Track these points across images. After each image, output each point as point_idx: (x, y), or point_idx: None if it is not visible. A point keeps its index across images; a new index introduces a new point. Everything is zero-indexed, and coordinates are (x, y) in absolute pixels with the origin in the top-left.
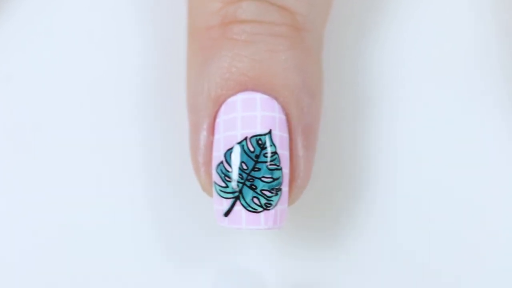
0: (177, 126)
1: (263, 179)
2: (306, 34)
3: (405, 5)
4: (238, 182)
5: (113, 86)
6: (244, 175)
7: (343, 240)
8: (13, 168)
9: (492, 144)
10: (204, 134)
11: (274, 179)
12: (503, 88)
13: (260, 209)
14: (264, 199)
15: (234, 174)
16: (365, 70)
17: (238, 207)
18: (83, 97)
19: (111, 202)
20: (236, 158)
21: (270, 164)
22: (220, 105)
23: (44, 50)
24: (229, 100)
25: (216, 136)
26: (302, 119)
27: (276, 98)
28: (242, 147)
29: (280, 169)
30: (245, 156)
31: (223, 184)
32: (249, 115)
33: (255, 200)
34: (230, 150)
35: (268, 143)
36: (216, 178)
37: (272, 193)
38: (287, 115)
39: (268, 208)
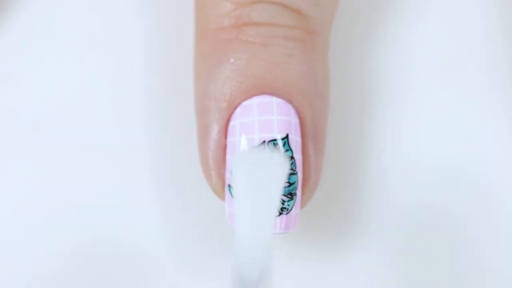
0: (183, 127)
1: None
2: (316, 37)
3: (412, 5)
4: None
5: (115, 87)
6: None
7: (349, 240)
8: (13, 169)
9: (499, 145)
10: (215, 136)
11: (291, 184)
12: (510, 90)
13: (277, 213)
14: (282, 204)
15: None
16: (371, 70)
17: None
18: (85, 98)
19: (117, 205)
20: None
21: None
22: (235, 108)
23: (45, 50)
24: (245, 103)
25: (231, 139)
26: (313, 123)
27: (290, 102)
28: None
29: (296, 173)
30: None
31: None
32: (266, 119)
33: None
34: None
35: (285, 148)
36: (231, 181)
37: (288, 197)
38: (300, 119)
39: (284, 212)
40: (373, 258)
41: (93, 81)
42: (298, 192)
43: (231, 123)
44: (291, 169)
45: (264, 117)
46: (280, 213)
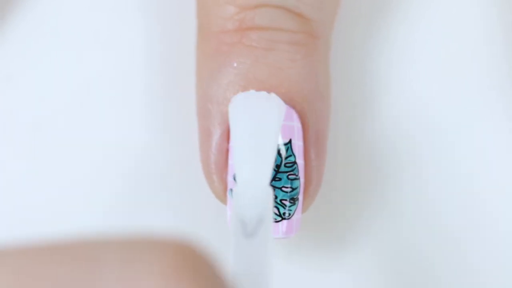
0: (183, 127)
1: (283, 189)
2: (318, 41)
3: (412, 6)
4: None
5: (115, 87)
6: None
7: (349, 242)
8: (13, 169)
9: (499, 145)
10: (217, 140)
11: (293, 189)
12: (510, 90)
13: (279, 218)
14: (283, 209)
15: None
16: (372, 71)
17: None
18: (85, 98)
19: (117, 205)
20: None
21: (290, 174)
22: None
23: (45, 50)
24: None
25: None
26: (315, 127)
27: (293, 107)
28: None
29: (299, 178)
30: None
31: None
32: None
33: (275, 210)
34: None
35: (288, 153)
36: (233, 185)
37: (291, 202)
38: (303, 123)
39: (286, 217)
40: (373, 259)
41: (93, 81)
42: (300, 197)
43: None
44: (294, 174)
45: None
46: (282, 218)
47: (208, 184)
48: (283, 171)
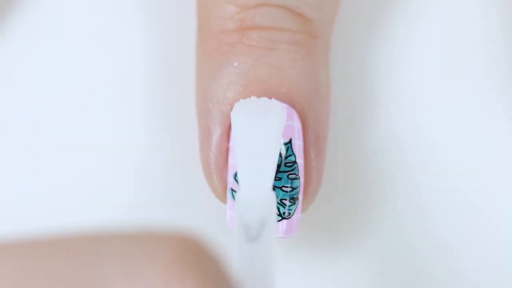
0: (183, 127)
1: (283, 188)
2: (319, 41)
3: (412, 6)
4: None
5: (115, 87)
6: None
7: (349, 242)
8: (13, 169)
9: (499, 145)
10: (218, 140)
11: (293, 188)
12: (510, 90)
13: (279, 218)
14: (283, 208)
15: None
16: (372, 71)
17: None
18: (85, 98)
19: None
20: None
21: (290, 174)
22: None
23: (45, 50)
24: None
25: (234, 143)
26: (315, 127)
27: (293, 107)
28: None
29: (299, 178)
30: None
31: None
32: None
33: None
34: None
35: (288, 152)
36: (233, 185)
37: (291, 202)
38: (303, 123)
39: (287, 217)
40: (373, 259)
41: (93, 81)
42: (300, 196)
43: None
44: (294, 174)
45: None
46: (282, 218)
47: (208, 184)
48: (283, 171)
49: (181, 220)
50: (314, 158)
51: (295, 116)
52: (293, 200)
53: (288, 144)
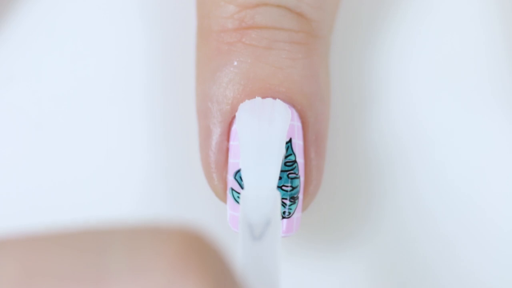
0: (183, 127)
1: (283, 187)
2: (319, 40)
3: (413, 5)
4: None
5: (115, 87)
6: None
7: (349, 241)
8: (13, 169)
9: (499, 145)
10: (218, 139)
11: (293, 188)
12: (510, 90)
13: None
14: (284, 208)
15: None
16: (371, 72)
17: None
18: (85, 98)
19: (117, 205)
20: None
21: (290, 173)
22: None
23: (46, 50)
24: None
25: (234, 143)
26: (315, 126)
27: (293, 106)
28: None
29: (299, 177)
30: None
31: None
32: None
33: None
34: None
35: (288, 152)
36: (233, 184)
37: (291, 201)
38: (303, 123)
39: (287, 216)
40: (373, 258)
41: (93, 80)
42: (300, 195)
43: (234, 126)
44: (294, 173)
45: None
46: (282, 217)
47: (208, 183)
48: (284, 170)
49: (181, 219)
50: (314, 157)
51: (295, 116)
52: (293, 199)
53: (288, 143)
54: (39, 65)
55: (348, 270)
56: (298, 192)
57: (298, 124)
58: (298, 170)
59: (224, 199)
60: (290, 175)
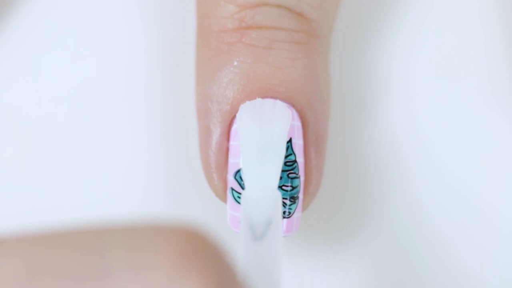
0: (183, 127)
1: (283, 187)
2: (319, 40)
3: (413, 5)
4: None
5: (115, 87)
6: None
7: (349, 241)
8: (14, 169)
9: (499, 145)
10: (218, 139)
11: (294, 188)
12: (510, 90)
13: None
14: (284, 207)
15: None
16: (371, 72)
17: None
18: (85, 98)
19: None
20: None
21: (290, 173)
22: (237, 111)
23: (46, 50)
24: None
25: (234, 143)
26: (315, 126)
27: (293, 106)
28: None
29: (299, 177)
30: None
31: (242, 191)
32: None
33: None
34: None
35: (288, 152)
36: (233, 184)
37: (291, 201)
38: (303, 122)
39: (287, 216)
40: (373, 258)
41: (93, 80)
42: (300, 195)
43: (234, 126)
44: (294, 173)
45: None
46: (282, 217)
47: (208, 183)
48: (284, 170)
49: (181, 219)
50: (314, 157)
51: (295, 115)
52: (293, 199)
53: (288, 143)
54: (39, 65)
55: (348, 270)
56: (298, 192)
57: (298, 124)
58: (298, 170)
59: (224, 199)
60: (290, 175)
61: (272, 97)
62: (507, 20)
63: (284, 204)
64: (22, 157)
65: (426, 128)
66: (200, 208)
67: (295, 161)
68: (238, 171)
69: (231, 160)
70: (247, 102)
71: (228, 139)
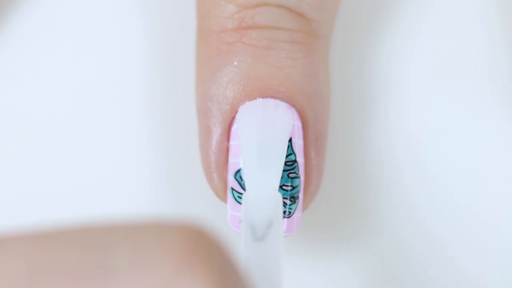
0: (183, 127)
1: (283, 187)
2: (319, 40)
3: (413, 5)
4: None
5: (115, 87)
6: None
7: (349, 241)
8: (14, 169)
9: (499, 145)
10: (218, 139)
11: (294, 187)
12: (510, 90)
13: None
14: (284, 207)
15: None
16: (371, 72)
17: None
18: (85, 98)
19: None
20: None
21: (290, 173)
22: (237, 111)
23: (46, 50)
24: None
25: (234, 143)
26: (315, 126)
27: (293, 106)
28: None
29: (299, 177)
30: None
31: (242, 191)
32: None
33: None
34: None
35: (289, 151)
36: (234, 184)
37: (291, 201)
38: (303, 122)
39: (287, 216)
40: (373, 258)
41: (93, 80)
42: (301, 195)
43: (234, 126)
44: (294, 172)
45: None
46: (284, 217)
47: (208, 183)
48: (284, 170)
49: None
50: (314, 157)
51: (295, 115)
52: (294, 199)
53: (289, 143)
54: (39, 65)
55: (348, 270)
56: (298, 191)
57: (298, 123)
58: (298, 169)
59: (224, 199)
60: (290, 175)
61: (272, 97)
62: (507, 20)
63: (284, 204)
64: (22, 157)
65: (426, 128)
66: (200, 207)
67: (295, 161)
68: (238, 171)
69: (231, 160)
70: (247, 103)
71: (228, 139)
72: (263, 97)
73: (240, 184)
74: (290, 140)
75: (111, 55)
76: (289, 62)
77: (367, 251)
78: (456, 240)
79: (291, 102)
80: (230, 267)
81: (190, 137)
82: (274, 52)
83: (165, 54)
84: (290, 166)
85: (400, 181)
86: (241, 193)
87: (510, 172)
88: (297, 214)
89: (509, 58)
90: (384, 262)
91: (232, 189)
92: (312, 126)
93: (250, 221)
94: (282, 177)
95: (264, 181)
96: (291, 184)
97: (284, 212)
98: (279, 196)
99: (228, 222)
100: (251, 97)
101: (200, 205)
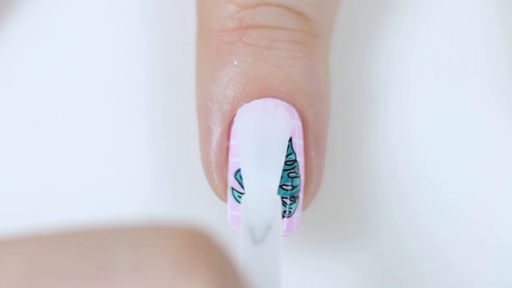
0: (183, 127)
1: (283, 187)
2: (319, 40)
3: (413, 6)
4: None
5: (115, 87)
6: None
7: (349, 241)
8: (14, 169)
9: (499, 145)
10: (218, 138)
11: (294, 187)
12: (510, 90)
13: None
14: (284, 207)
15: None
16: (371, 72)
17: None
18: (85, 98)
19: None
20: None
21: (291, 172)
22: (237, 111)
23: (47, 50)
24: None
25: (234, 142)
26: (315, 125)
27: (294, 105)
28: None
29: (299, 176)
30: None
31: (242, 191)
32: None
33: None
34: None
35: (289, 151)
36: (234, 183)
37: (291, 200)
38: (303, 122)
39: (287, 215)
40: (373, 258)
41: (93, 80)
42: (301, 194)
43: (234, 125)
44: (294, 172)
45: None
46: (283, 216)
47: (208, 183)
48: (284, 169)
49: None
50: (314, 156)
51: (295, 115)
52: (294, 198)
53: (289, 142)
54: (39, 65)
55: (348, 270)
56: (298, 191)
57: (298, 123)
58: (298, 169)
59: (224, 199)
60: (290, 174)
61: (272, 97)
62: (507, 20)
63: (284, 204)
64: (22, 157)
65: (426, 128)
66: (201, 207)
67: (295, 161)
68: (239, 170)
69: (231, 159)
70: (245, 105)
71: (228, 138)
72: (263, 96)
73: (240, 183)
74: (290, 140)
75: (111, 55)
76: (289, 61)
77: (367, 251)
78: (456, 240)
79: (291, 102)
80: (230, 269)
81: (190, 137)
82: (274, 52)
83: (165, 54)
84: (290, 165)
85: (400, 181)
86: (242, 193)
87: (510, 172)
88: (297, 214)
89: (509, 58)
90: (384, 262)
91: (232, 188)
92: (312, 125)
93: (249, 223)
94: (282, 177)
95: (263, 184)
96: (291, 183)
97: (284, 211)
98: (278, 199)
99: (228, 222)
100: (251, 96)
101: (200, 205)
